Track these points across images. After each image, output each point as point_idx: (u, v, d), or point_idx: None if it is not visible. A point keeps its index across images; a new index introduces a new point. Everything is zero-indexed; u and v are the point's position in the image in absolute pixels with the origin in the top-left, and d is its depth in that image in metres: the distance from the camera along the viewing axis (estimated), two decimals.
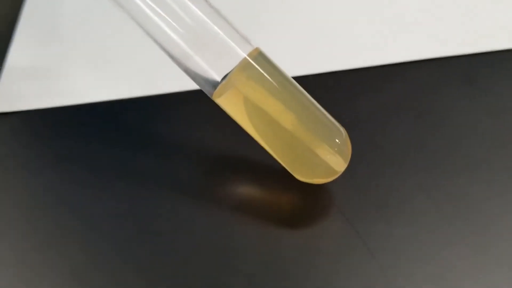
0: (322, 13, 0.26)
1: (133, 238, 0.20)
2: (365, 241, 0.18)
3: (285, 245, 0.19)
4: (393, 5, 0.26)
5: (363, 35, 0.25)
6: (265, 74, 0.16)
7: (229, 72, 0.16)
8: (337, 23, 0.25)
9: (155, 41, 0.16)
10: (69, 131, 0.24)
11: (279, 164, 0.19)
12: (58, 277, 0.19)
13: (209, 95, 0.17)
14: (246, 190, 0.21)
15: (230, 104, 0.17)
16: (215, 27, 0.16)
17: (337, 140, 0.17)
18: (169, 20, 0.16)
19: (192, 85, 0.23)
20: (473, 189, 0.19)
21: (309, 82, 0.21)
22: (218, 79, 0.16)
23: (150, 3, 0.16)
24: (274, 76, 0.17)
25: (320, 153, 0.17)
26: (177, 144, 0.22)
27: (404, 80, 0.23)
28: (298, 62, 0.24)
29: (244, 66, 0.16)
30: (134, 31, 0.26)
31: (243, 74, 0.16)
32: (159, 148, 0.22)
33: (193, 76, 0.17)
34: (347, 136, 0.18)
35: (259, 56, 0.17)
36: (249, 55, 0.16)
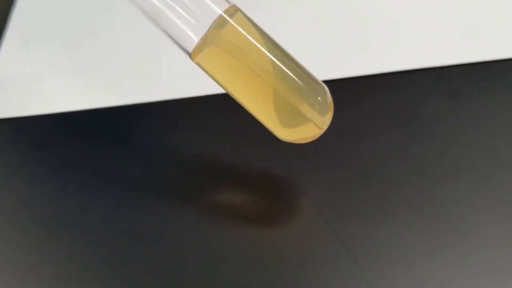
0: (309, 23, 0.26)
1: (121, 243, 0.20)
2: (347, 248, 0.19)
3: (267, 251, 0.19)
4: (378, 16, 0.26)
5: (348, 46, 0.25)
6: (242, 31, 0.16)
7: (206, 30, 0.16)
8: (322, 33, 0.26)
9: None
10: (59, 139, 0.24)
11: (264, 171, 0.20)
12: (46, 282, 0.19)
13: (187, 55, 0.17)
14: (231, 197, 0.21)
15: (208, 62, 0.17)
16: None
17: (319, 98, 0.17)
18: None
19: (180, 94, 0.24)
20: (454, 197, 0.20)
21: None
22: (195, 38, 0.16)
23: None
24: (252, 33, 0.17)
25: (302, 110, 0.16)
26: (164, 151, 0.23)
27: (389, 90, 0.23)
28: None
29: (220, 23, 0.16)
30: (122, 39, 0.27)
31: (219, 32, 0.16)
32: (147, 156, 0.23)
33: (171, 35, 0.17)
34: (329, 94, 0.17)
35: (236, 13, 0.17)
36: (225, 12, 0.16)
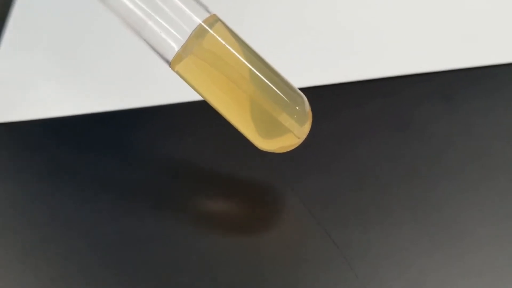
0: (301, 28, 0.26)
1: (114, 248, 0.20)
2: (342, 251, 0.19)
3: (262, 255, 0.19)
4: (371, 22, 0.26)
5: (342, 51, 0.25)
6: (221, 41, 0.16)
7: (186, 39, 0.16)
8: (316, 38, 0.26)
9: (109, 7, 0.16)
10: (53, 143, 0.24)
11: (258, 176, 0.20)
12: (41, 286, 0.19)
13: (167, 64, 0.17)
14: (225, 202, 0.21)
15: (188, 71, 0.17)
16: None
17: (297, 108, 0.17)
18: None
19: (174, 99, 0.24)
20: (449, 200, 0.19)
21: None
22: (175, 47, 0.16)
23: None
24: (232, 43, 0.17)
25: (280, 120, 0.17)
26: (158, 156, 0.23)
27: (383, 95, 0.23)
28: None
29: (200, 33, 0.16)
30: (116, 44, 0.27)
31: (199, 41, 0.16)
32: (141, 160, 0.23)
33: (151, 44, 0.17)
34: (308, 103, 0.17)
35: (216, 23, 0.17)
36: (204, 21, 0.16)
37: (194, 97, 0.24)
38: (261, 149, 0.18)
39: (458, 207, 0.19)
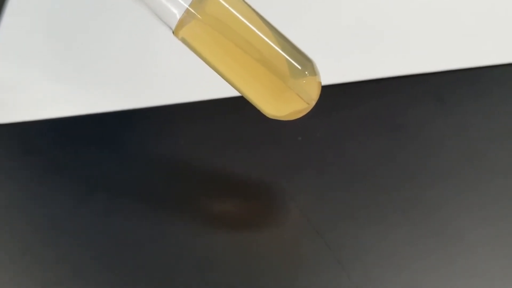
0: (297, 29, 0.25)
1: (110, 249, 0.20)
2: (334, 252, 0.19)
3: (254, 256, 0.19)
4: (365, 23, 0.25)
5: (336, 52, 0.24)
6: (225, 4, 0.16)
7: (188, 4, 0.16)
8: (310, 40, 0.25)
9: None
10: (48, 144, 0.24)
11: (251, 177, 0.21)
12: (40, 286, 0.20)
13: (171, 31, 0.17)
14: (219, 203, 0.21)
15: (191, 38, 0.16)
16: None
17: (306, 72, 0.16)
18: None
19: (169, 100, 0.24)
20: (442, 202, 0.19)
21: None
22: (177, 12, 0.16)
23: None
24: (237, 7, 0.16)
25: (289, 84, 0.16)
26: (154, 157, 0.23)
27: (376, 96, 0.23)
28: None
29: None
30: (113, 46, 0.27)
31: (201, 5, 0.16)
32: (137, 161, 0.23)
33: (153, 11, 0.16)
34: (318, 68, 0.16)
35: None
36: None
37: (192, 97, 0.24)
38: (270, 116, 0.17)
39: (452, 208, 0.19)
